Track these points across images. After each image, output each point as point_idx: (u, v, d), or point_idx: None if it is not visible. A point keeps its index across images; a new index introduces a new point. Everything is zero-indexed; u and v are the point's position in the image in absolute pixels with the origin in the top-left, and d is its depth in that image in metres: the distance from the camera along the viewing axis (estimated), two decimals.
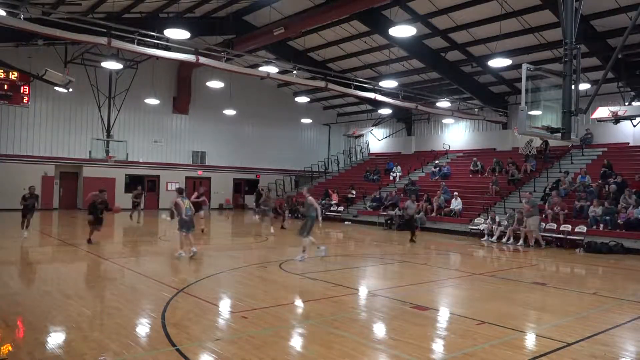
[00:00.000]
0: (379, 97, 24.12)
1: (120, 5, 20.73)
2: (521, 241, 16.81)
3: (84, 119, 27.73)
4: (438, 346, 6.10)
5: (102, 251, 12.92)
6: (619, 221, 16.09)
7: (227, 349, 5.64)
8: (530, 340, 6.39)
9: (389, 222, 22.42)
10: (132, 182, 30.04)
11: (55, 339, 5.91)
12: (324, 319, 6.95)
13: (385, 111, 31.26)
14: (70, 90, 19.92)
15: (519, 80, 9.53)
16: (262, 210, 19.79)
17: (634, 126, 20.98)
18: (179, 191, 12.39)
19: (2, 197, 24.74)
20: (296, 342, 6.21)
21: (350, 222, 24.86)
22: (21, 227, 14.91)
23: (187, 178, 31.91)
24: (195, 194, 17.60)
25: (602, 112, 18.67)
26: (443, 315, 7.30)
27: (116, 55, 22.68)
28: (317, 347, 5.75)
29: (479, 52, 23.09)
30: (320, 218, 12.25)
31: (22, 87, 19.28)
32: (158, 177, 30.92)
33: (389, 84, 23.33)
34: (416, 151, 32.56)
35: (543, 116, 9.49)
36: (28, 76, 18.55)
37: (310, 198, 12.31)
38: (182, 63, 25.82)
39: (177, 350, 5.50)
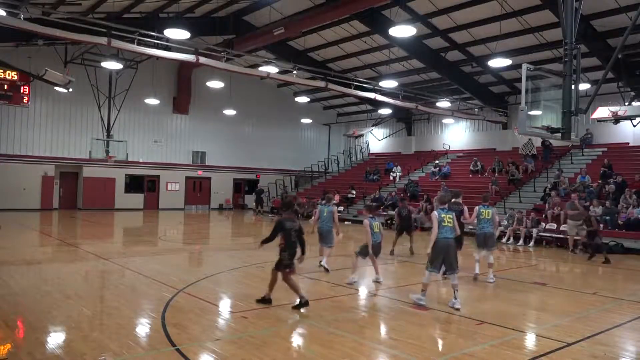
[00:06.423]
0: (379, 97, 24.13)
1: (120, 5, 20.72)
2: (530, 243, 16.76)
3: (84, 119, 27.73)
4: (438, 346, 6.10)
5: (102, 251, 12.90)
6: (619, 221, 16.09)
7: (227, 349, 5.64)
8: (530, 340, 6.38)
9: (389, 222, 22.39)
10: (132, 182, 30.12)
11: (55, 339, 5.91)
12: (324, 319, 6.95)
13: (385, 111, 31.25)
14: (70, 90, 19.94)
15: (519, 80, 9.52)
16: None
17: (634, 126, 20.96)
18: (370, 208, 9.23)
19: (2, 197, 24.79)
20: (296, 342, 6.20)
21: (350, 222, 24.83)
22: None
23: (187, 178, 31.96)
24: None
25: (602, 112, 18.64)
26: (443, 315, 7.30)
27: (116, 55, 22.68)
28: (317, 347, 5.75)
29: (479, 52, 23.10)
30: None
31: (22, 87, 19.23)
32: (158, 177, 30.89)
33: (389, 84, 23.33)
34: (416, 151, 32.56)
35: (543, 116, 9.50)
36: (28, 76, 18.52)
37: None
38: (182, 63, 25.84)
39: (177, 350, 5.50)
